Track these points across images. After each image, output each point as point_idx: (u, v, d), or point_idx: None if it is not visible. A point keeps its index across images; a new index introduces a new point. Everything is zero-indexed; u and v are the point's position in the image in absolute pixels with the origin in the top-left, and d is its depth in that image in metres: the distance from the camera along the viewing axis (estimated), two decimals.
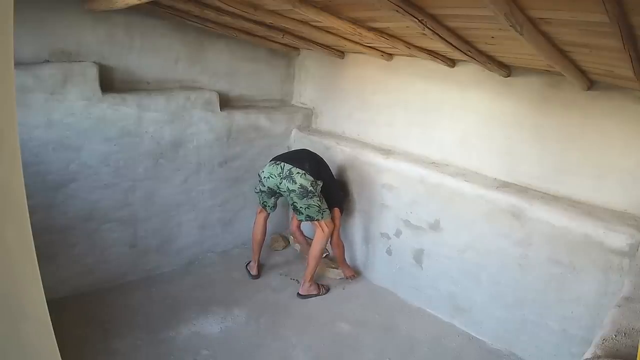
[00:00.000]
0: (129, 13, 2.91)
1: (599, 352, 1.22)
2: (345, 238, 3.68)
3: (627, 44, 1.44)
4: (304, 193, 2.99)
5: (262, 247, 3.44)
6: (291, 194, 3.02)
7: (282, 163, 3.05)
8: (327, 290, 3.33)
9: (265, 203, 3.28)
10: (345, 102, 3.75)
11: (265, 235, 3.42)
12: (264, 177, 3.10)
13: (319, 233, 3.15)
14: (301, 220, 3.24)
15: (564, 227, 2.38)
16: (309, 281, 3.21)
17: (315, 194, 3.04)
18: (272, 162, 3.12)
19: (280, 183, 3.02)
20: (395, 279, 3.33)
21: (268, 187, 3.12)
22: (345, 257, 3.46)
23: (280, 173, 3.02)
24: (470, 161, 3.00)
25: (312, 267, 3.18)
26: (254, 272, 3.42)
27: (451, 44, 2.16)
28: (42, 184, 2.71)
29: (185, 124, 3.26)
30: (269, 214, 3.37)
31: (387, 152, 3.37)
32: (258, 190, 3.25)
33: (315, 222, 3.11)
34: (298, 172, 2.99)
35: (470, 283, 2.86)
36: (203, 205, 3.55)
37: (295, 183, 2.97)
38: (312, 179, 3.01)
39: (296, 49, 3.92)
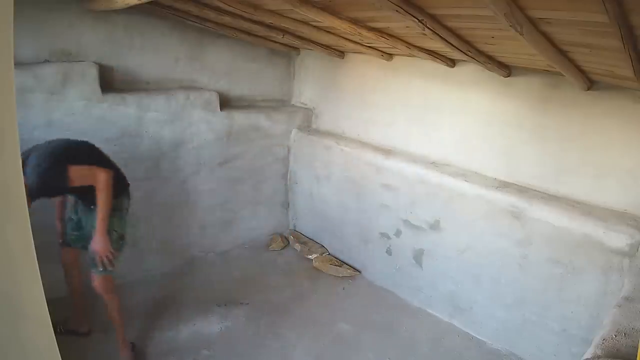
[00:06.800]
0: (128, 13, 2.91)
1: (599, 352, 1.22)
2: (346, 238, 3.69)
3: (627, 44, 1.44)
4: None
5: None
6: None
7: None
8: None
9: None
10: (345, 102, 3.75)
11: None
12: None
13: None
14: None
15: (564, 227, 2.38)
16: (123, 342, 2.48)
17: None
18: None
19: None
20: (395, 279, 3.33)
21: None
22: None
23: None
24: (470, 161, 3.00)
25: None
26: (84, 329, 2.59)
27: (451, 44, 2.16)
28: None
29: (185, 124, 3.26)
30: None
31: (387, 152, 3.37)
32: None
33: None
34: None
35: (470, 283, 2.86)
36: (203, 205, 3.55)
37: None
38: None
39: (296, 48, 3.92)
